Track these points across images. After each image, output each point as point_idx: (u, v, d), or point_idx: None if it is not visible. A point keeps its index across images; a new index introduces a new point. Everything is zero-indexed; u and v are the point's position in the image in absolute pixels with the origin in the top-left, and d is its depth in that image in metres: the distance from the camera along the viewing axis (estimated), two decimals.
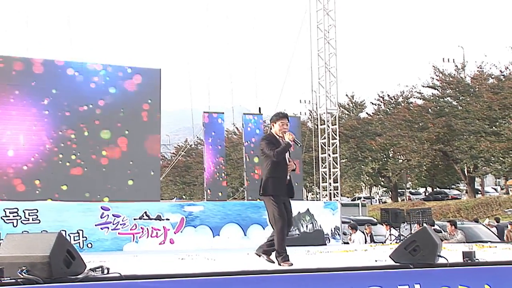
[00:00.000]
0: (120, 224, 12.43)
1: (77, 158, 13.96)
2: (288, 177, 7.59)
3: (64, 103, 13.99)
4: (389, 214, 16.77)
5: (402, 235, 16.32)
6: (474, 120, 37.96)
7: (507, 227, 18.24)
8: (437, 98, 42.12)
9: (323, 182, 24.36)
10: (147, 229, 12.67)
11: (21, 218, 11.62)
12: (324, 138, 24.44)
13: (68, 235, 11.67)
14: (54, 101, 13.93)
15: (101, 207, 12.38)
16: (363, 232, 17.14)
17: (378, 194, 68.58)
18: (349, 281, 6.48)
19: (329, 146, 24.26)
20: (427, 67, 52.47)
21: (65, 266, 5.58)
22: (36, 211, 11.77)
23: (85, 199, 13.25)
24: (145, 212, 12.73)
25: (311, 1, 24.27)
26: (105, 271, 5.86)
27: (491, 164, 39.48)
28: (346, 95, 50.98)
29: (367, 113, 49.53)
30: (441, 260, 6.99)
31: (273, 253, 7.48)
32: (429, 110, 41.51)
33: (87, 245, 12.01)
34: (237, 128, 47.79)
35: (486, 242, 15.20)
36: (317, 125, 25.16)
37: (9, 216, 11.56)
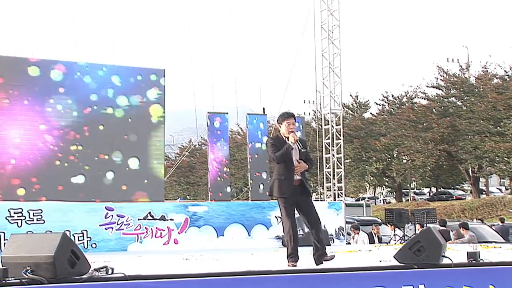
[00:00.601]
0: (124, 224, 12.45)
1: (81, 159, 13.97)
2: (300, 177, 7.54)
3: (67, 104, 14.00)
4: (394, 215, 16.73)
5: (406, 235, 16.30)
6: (479, 120, 37.88)
7: None
8: (442, 98, 42.03)
9: (327, 183, 24.35)
10: (151, 229, 12.68)
11: (25, 218, 11.65)
12: (328, 138, 24.42)
13: (73, 235, 11.70)
14: (58, 101, 13.94)
15: (105, 207, 12.39)
16: (369, 233, 17.12)
17: (382, 194, 68.48)
18: (353, 282, 6.47)
19: (333, 146, 24.24)
20: (432, 67, 52.36)
21: (70, 266, 5.59)
22: (40, 211, 11.80)
23: (89, 199, 13.25)
24: (149, 213, 12.74)
25: (315, 1, 24.24)
26: (110, 271, 5.87)
27: (495, 164, 39.38)
28: (350, 95, 50.96)
29: (371, 113, 49.48)
30: (445, 261, 6.98)
31: (328, 252, 7.52)
32: (434, 110, 41.42)
33: (91, 245, 12.03)
34: (241, 128, 47.75)
35: (491, 242, 15.18)
36: (321, 125, 25.12)
37: (13, 217, 11.59)
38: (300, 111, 50.31)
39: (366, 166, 46.52)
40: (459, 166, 42.47)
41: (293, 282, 6.35)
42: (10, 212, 11.58)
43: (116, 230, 12.35)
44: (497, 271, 7.08)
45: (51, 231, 10.93)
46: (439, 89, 42.24)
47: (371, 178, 51.95)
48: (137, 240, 12.54)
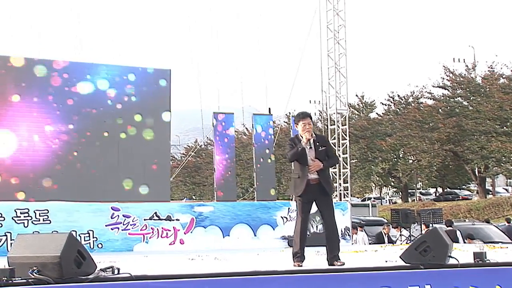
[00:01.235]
0: (130, 225, 12.47)
1: (88, 158, 14.00)
2: (317, 176, 7.55)
3: (72, 103, 14.04)
4: (400, 215, 16.69)
5: (412, 235, 16.27)
6: (485, 120, 37.75)
7: None
8: (448, 98, 41.90)
9: (333, 183, 24.32)
10: (157, 229, 12.70)
11: (32, 218, 11.68)
12: (334, 138, 24.38)
13: (79, 235, 11.73)
14: (63, 101, 13.98)
15: (111, 208, 12.42)
16: (379, 233, 17.08)
17: (388, 194, 68.36)
18: (359, 282, 6.47)
19: (339, 147, 24.19)
20: (438, 67, 52.35)
21: (76, 266, 5.61)
22: (46, 211, 11.83)
23: (97, 199, 13.28)
24: (155, 213, 12.76)
25: (320, 1, 24.19)
26: (116, 272, 5.88)
27: (502, 164, 39.25)
28: (356, 95, 50.84)
29: (377, 113, 49.35)
30: (451, 261, 6.96)
31: (340, 256, 7.49)
32: (440, 110, 41.29)
33: (97, 245, 12.05)
34: (246, 128, 47.75)
35: (497, 243, 15.14)
36: (327, 126, 25.06)
37: (20, 217, 11.62)
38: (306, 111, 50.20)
39: (372, 166, 46.42)
40: (465, 166, 42.35)
41: (299, 282, 6.35)
42: (16, 212, 11.61)
43: (122, 230, 12.37)
44: (504, 271, 7.06)
45: (57, 231, 10.97)
46: (445, 89, 42.11)
47: (377, 178, 51.85)
48: (143, 240, 12.55)
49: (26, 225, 11.59)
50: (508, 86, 37.38)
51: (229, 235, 13.32)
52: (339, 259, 7.41)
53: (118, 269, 5.91)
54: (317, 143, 7.62)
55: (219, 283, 6.04)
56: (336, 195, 24.02)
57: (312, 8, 24.78)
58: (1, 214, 11.44)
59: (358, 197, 59.18)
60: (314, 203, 7.64)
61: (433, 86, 42.57)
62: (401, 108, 45.71)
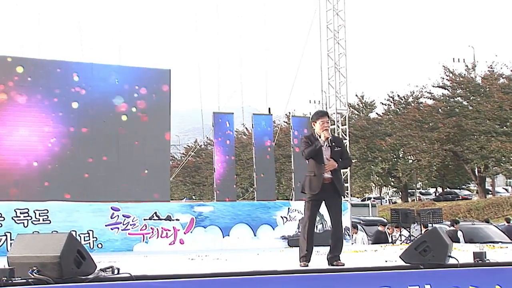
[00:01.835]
0: (130, 225, 12.47)
1: (88, 158, 14.01)
2: (330, 176, 7.54)
3: (74, 103, 14.05)
4: (399, 215, 16.69)
5: (412, 235, 16.26)
6: (485, 120, 37.75)
7: None
8: (447, 98, 41.90)
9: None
10: (157, 229, 12.70)
11: (31, 218, 11.68)
12: None
13: (78, 235, 11.73)
14: (63, 101, 13.99)
15: (111, 208, 12.41)
16: (383, 232, 17.06)
17: (388, 194, 68.34)
18: (359, 282, 6.47)
19: None
20: (437, 67, 52.38)
21: (76, 266, 5.61)
22: (46, 211, 11.83)
23: (96, 199, 13.28)
24: (155, 213, 12.75)
25: (320, 1, 24.18)
26: (115, 272, 5.88)
27: (501, 164, 39.26)
28: (356, 95, 50.80)
29: (377, 113, 49.35)
30: (451, 261, 6.96)
31: (341, 257, 7.50)
32: (439, 110, 41.29)
33: (97, 245, 12.05)
34: (246, 128, 47.72)
35: (497, 242, 15.14)
36: None
37: (19, 217, 11.62)
38: (306, 111, 50.20)
39: (372, 166, 46.42)
40: (465, 166, 42.35)
41: (299, 282, 6.35)
42: (16, 212, 11.61)
43: (122, 230, 12.37)
44: (504, 271, 7.06)
45: (57, 231, 10.96)
46: (445, 89, 42.11)
47: (377, 178, 51.85)
48: (143, 240, 12.55)
49: (26, 225, 11.59)
50: (508, 86, 37.37)
51: (229, 235, 13.32)
52: (339, 260, 7.41)
53: (118, 269, 5.91)
54: (333, 143, 7.63)
55: (219, 283, 6.04)
56: None
57: (312, 8, 24.73)
58: (1, 214, 11.44)
59: (358, 197, 59.18)
60: (323, 202, 7.65)
61: (433, 86, 42.58)
62: (401, 108, 45.70)
